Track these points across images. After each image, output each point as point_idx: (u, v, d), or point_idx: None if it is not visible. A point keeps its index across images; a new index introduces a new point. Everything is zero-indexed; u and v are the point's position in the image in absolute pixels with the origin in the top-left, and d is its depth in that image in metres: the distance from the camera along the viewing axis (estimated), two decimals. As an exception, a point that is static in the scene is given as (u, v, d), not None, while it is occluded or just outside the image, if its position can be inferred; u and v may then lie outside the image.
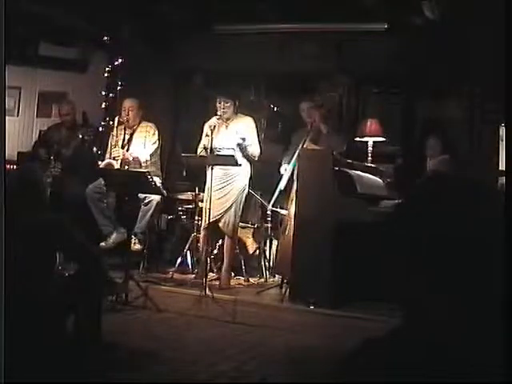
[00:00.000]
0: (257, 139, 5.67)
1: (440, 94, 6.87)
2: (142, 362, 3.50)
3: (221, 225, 5.52)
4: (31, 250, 2.98)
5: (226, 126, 5.58)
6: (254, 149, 5.60)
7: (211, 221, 5.35)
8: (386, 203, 5.16)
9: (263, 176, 5.85)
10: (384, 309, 4.20)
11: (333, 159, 5.05)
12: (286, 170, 5.63)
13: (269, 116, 7.35)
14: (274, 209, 5.80)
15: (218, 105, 5.56)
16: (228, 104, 5.54)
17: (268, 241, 6.14)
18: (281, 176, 5.65)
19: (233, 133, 5.55)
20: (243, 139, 5.44)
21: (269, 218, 6.01)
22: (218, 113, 5.52)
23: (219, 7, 6.56)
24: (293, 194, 5.38)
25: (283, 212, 5.69)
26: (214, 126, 5.38)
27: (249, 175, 5.64)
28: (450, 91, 6.69)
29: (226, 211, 5.49)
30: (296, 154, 5.44)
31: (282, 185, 5.57)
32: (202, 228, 5.59)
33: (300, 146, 5.48)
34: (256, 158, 5.62)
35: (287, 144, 6.06)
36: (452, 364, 0.91)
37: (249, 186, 5.68)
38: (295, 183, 5.28)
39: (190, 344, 3.93)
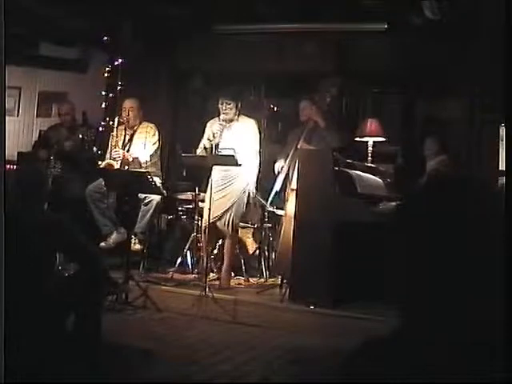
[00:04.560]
0: (257, 146, 5.55)
1: (440, 94, 6.87)
2: (141, 361, 3.50)
3: (220, 225, 5.51)
4: (31, 250, 2.98)
5: (228, 128, 5.55)
6: (253, 157, 5.49)
7: (211, 221, 5.34)
8: (386, 203, 5.17)
9: (263, 176, 5.85)
10: (384, 309, 4.20)
11: (333, 159, 5.05)
12: (281, 169, 5.61)
13: (269, 116, 7.34)
14: (270, 209, 5.81)
15: (220, 106, 5.52)
16: (230, 105, 5.50)
17: (268, 241, 6.14)
18: (276, 176, 5.64)
19: (234, 134, 5.52)
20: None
21: (266, 219, 6.01)
22: (221, 115, 5.50)
23: (219, 7, 6.56)
24: (288, 194, 5.40)
25: (279, 212, 5.70)
26: (217, 132, 5.37)
27: (253, 176, 5.60)
28: (450, 91, 6.70)
29: (225, 211, 5.48)
30: (290, 154, 5.45)
31: (277, 186, 5.57)
32: (202, 228, 5.58)
33: (294, 146, 5.49)
34: (255, 168, 5.54)
35: (284, 144, 6.05)
36: (452, 364, 0.91)
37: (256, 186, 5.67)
38: (289, 184, 5.30)
39: (190, 344, 3.93)
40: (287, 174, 5.49)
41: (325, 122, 5.57)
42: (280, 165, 5.66)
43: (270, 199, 5.62)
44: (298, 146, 5.50)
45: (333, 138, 5.56)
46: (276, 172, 5.67)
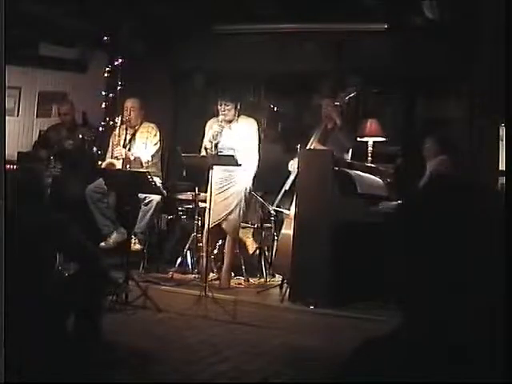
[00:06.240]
0: (257, 145, 5.57)
1: (440, 94, 6.87)
2: (141, 361, 3.50)
3: (224, 226, 5.51)
4: (31, 250, 2.98)
5: (228, 128, 5.53)
6: (252, 156, 5.52)
7: (215, 223, 5.33)
8: (386, 203, 5.16)
9: (263, 176, 5.84)
10: (384, 309, 4.20)
11: (333, 159, 5.05)
12: (293, 168, 5.58)
13: (269, 116, 7.34)
14: (277, 208, 5.80)
15: (219, 107, 5.52)
16: (229, 106, 5.50)
17: (269, 241, 6.13)
18: (287, 175, 5.63)
19: (235, 134, 5.52)
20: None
21: (272, 218, 5.99)
22: (220, 116, 5.49)
23: (219, 7, 6.56)
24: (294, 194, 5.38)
25: (287, 212, 5.68)
26: (216, 133, 5.36)
27: (253, 175, 5.61)
28: (450, 91, 6.70)
29: (230, 213, 5.48)
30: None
31: (286, 185, 5.56)
32: (204, 230, 5.55)
33: (309, 144, 5.48)
34: (254, 167, 5.56)
35: (289, 143, 6.03)
36: (452, 364, 0.91)
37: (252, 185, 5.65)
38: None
39: (189, 344, 3.93)
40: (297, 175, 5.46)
41: (342, 122, 5.55)
42: (293, 164, 5.61)
43: (279, 198, 5.61)
44: (312, 146, 5.48)
45: (347, 140, 5.55)
46: (290, 169, 5.64)
